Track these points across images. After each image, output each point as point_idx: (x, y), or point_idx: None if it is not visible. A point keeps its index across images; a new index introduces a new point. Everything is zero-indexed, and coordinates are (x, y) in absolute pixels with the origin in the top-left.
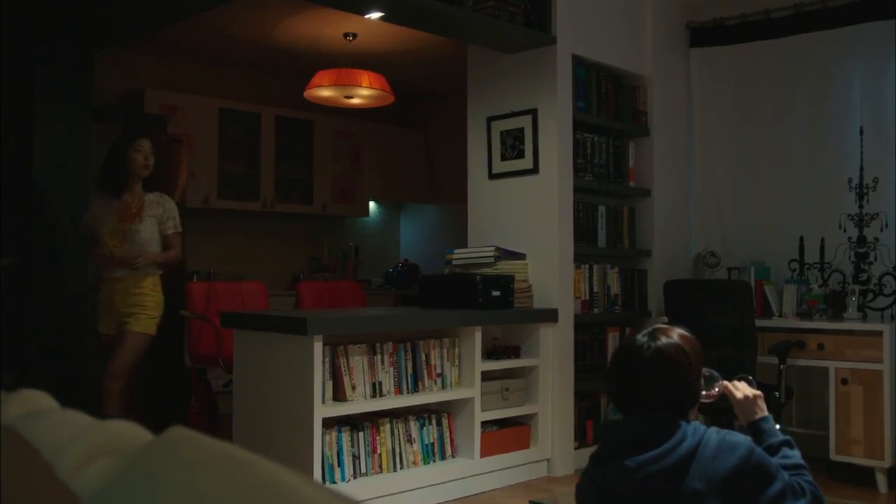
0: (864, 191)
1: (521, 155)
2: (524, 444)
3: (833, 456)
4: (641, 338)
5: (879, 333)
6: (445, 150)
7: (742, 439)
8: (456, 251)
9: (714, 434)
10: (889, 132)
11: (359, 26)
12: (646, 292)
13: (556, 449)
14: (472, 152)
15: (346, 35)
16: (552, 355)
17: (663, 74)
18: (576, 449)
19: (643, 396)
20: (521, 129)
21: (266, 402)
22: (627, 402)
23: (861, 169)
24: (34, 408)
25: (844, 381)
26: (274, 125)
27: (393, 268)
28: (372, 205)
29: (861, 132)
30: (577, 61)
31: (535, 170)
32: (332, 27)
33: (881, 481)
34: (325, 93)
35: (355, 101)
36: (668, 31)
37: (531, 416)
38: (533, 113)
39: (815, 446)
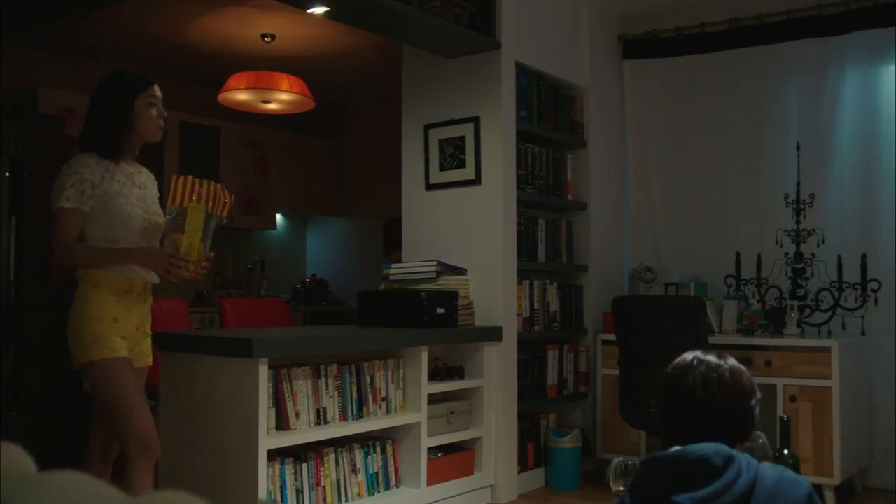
0: (801, 206)
1: (461, 165)
2: (468, 470)
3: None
4: (710, 357)
5: (828, 349)
6: (356, 161)
7: (800, 478)
8: (394, 266)
9: (769, 469)
10: (826, 148)
11: (278, 27)
12: (582, 309)
13: (499, 474)
14: (407, 161)
15: (263, 36)
16: (496, 376)
17: (600, 86)
18: (518, 473)
19: (706, 422)
20: (462, 138)
21: (199, 434)
22: (681, 429)
23: (798, 185)
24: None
25: (793, 399)
26: (179, 131)
27: (301, 283)
28: (279, 217)
29: (798, 148)
30: (520, 69)
31: (476, 180)
32: (249, 27)
33: (830, 499)
34: (242, 96)
35: (273, 105)
36: (603, 42)
37: (475, 441)
38: (475, 121)
39: None
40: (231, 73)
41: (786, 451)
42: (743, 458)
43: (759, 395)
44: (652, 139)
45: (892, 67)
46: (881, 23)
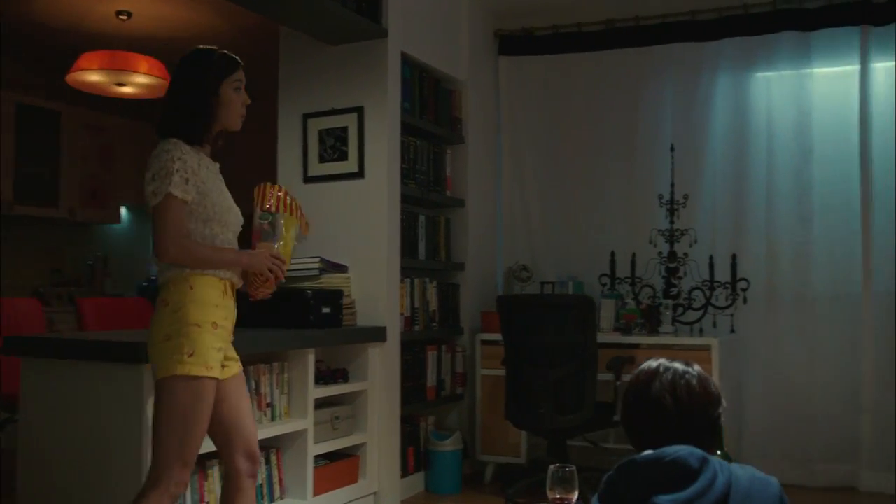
0: (675, 207)
1: (343, 157)
2: (353, 477)
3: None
4: (675, 364)
5: (708, 347)
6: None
7: (770, 476)
8: None
9: (739, 469)
10: (699, 150)
11: (134, 4)
12: (459, 308)
13: (383, 481)
14: (283, 153)
15: (119, 13)
16: (380, 378)
17: (478, 81)
18: (401, 478)
19: (673, 429)
20: (345, 129)
21: (71, 449)
22: (648, 436)
23: (672, 185)
24: None
25: None
26: (14, 114)
27: (147, 281)
28: (123, 210)
29: (672, 149)
30: (403, 60)
31: (360, 173)
32: (103, 3)
33: None
34: (94, 77)
35: (128, 89)
36: (482, 37)
37: (359, 447)
38: (359, 111)
39: None
40: (81, 52)
41: (718, 453)
42: (715, 459)
43: (724, 403)
44: (527, 137)
45: (761, 74)
46: (751, 31)
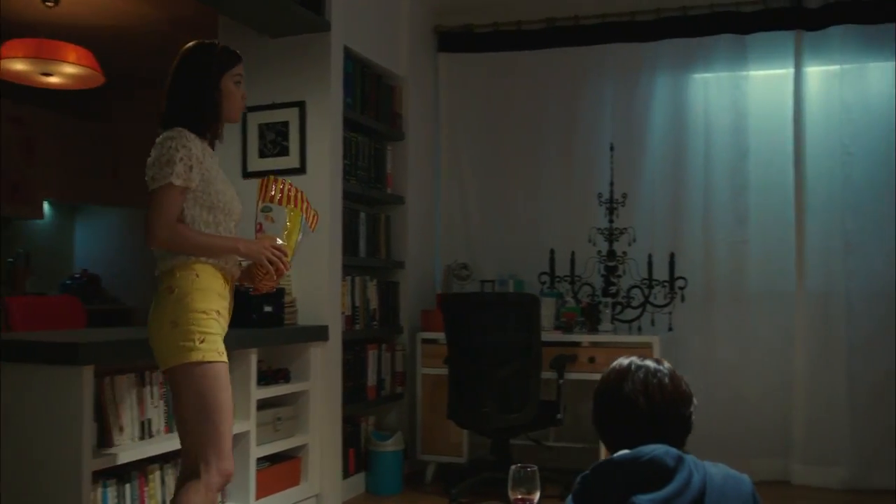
0: (614, 206)
1: (284, 152)
2: (295, 480)
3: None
4: (647, 362)
5: (649, 345)
6: (137, 147)
7: (742, 475)
8: None
9: (712, 467)
10: (638, 149)
11: None
12: (398, 306)
13: (324, 483)
14: (221, 147)
15: None
16: (321, 378)
17: (418, 77)
18: (343, 480)
19: (646, 428)
20: (286, 124)
21: (2, 456)
22: (620, 435)
23: (611, 184)
24: None
25: None
26: None
27: (71, 279)
28: (46, 206)
29: (611, 148)
30: (346, 54)
31: (301, 169)
32: None
33: None
34: (18, 66)
35: (55, 79)
36: (422, 33)
37: (300, 448)
38: (300, 106)
39: (585, 459)
40: (4, 39)
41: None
42: (689, 457)
43: (696, 401)
44: (466, 134)
45: (699, 75)
46: (689, 33)
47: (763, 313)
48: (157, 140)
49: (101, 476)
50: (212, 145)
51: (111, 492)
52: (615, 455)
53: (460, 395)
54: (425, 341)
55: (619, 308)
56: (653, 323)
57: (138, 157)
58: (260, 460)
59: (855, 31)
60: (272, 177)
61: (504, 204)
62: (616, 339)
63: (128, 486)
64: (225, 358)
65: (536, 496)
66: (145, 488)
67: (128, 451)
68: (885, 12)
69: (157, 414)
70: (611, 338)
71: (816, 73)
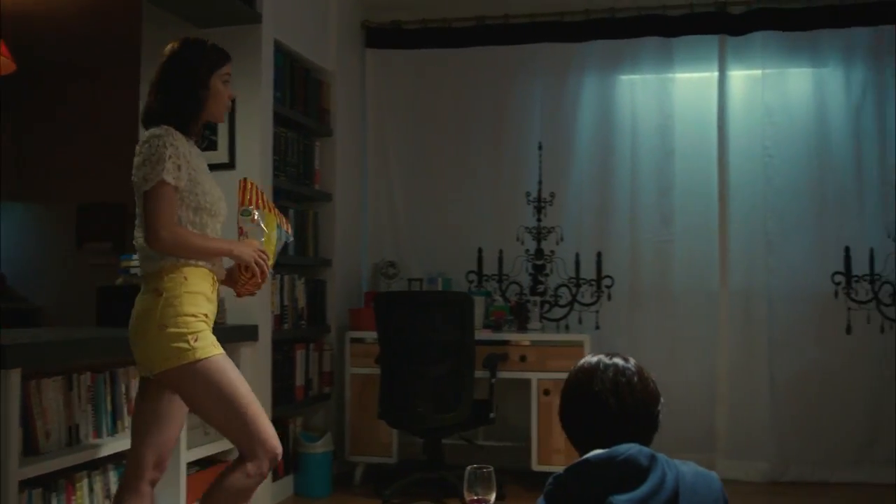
0: (542, 205)
1: (212, 147)
2: None
3: (535, 466)
4: (615, 360)
5: (581, 343)
6: (44, 140)
7: (711, 472)
8: (134, 255)
9: (682, 465)
10: (566, 149)
11: None
12: (325, 305)
13: None
14: None
15: None
16: (251, 379)
17: (346, 72)
18: (272, 482)
19: (616, 427)
20: None
21: None
22: (589, 434)
23: (539, 183)
24: None
25: (546, 392)
26: None
27: None
28: None
29: (540, 147)
30: (276, 47)
31: (230, 165)
32: None
33: None
34: None
35: None
36: (350, 28)
37: (230, 452)
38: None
39: (515, 458)
40: None
41: None
42: (661, 456)
43: (662, 399)
44: (394, 132)
45: (626, 77)
46: (617, 34)
47: (687, 312)
48: (143, 138)
49: (27, 485)
50: (197, 144)
51: (37, 501)
52: (590, 455)
53: (393, 395)
54: (354, 340)
55: (547, 307)
56: (580, 321)
57: (43, 151)
58: (190, 465)
59: (776, 37)
60: (248, 179)
61: (432, 202)
62: (548, 338)
63: (54, 495)
64: (221, 349)
65: (492, 497)
66: (73, 497)
67: (55, 458)
68: (805, 20)
69: (84, 420)
70: (542, 336)
71: (740, 76)
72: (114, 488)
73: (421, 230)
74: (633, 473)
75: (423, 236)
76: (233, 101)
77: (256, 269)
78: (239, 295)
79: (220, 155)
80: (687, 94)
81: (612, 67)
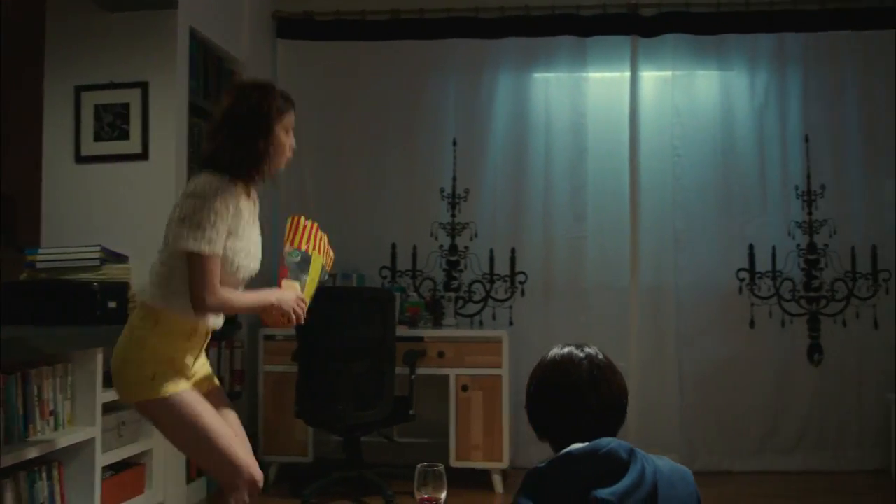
0: (456, 201)
1: (124, 136)
2: (139, 488)
3: (453, 462)
4: (589, 351)
5: (499, 339)
6: None
7: (683, 467)
8: (41, 250)
9: (658, 459)
10: (481, 145)
11: None
12: None
13: (168, 490)
14: (50, 128)
15: None
16: None
17: (258, 63)
18: (186, 485)
19: (593, 418)
20: (126, 105)
21: None
22: (565, 427)
23: (454, 179)
24: None
25: (465, 388)
26: None
27: None
28: None
29: (454, 144)
30: (190, 34)
31: (143, 155)
32: None
33: (497, 482)
34: None
35: None
36: (261, 18)
37: (144, 454)
38: (143, 87)
39: (433, 455)
40: None
41: None
42: (638, 450)
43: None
44: (306, 125)
45: (540, 75)
46: (532, 33)
47: (599, 307)
48: (192, 188)
49: None
50: (248, 193)
51: None
52: (571, 449)
53: (311, 393)
54: (266, 338)
55: (461, 302)
56: (494, 317)
57: None
58: (105, 469)
59: (686, 40)
60: (302, 217)
61: (345, 197)
62: (466, 334)
63: None
64: (183, 386)
65: (443, 495)
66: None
67: None
68: (713, 24)
69: None
70: (461, 332)
71: (651, 77)
72: (24, 494)
73: (333, 225)
74: (614, 467)
75: (335, 231)
76: (147, 88)
77: (293, 316)
78: (265, 324)
79: (133, 145)
80: (600, 93)
81: (527, 65)
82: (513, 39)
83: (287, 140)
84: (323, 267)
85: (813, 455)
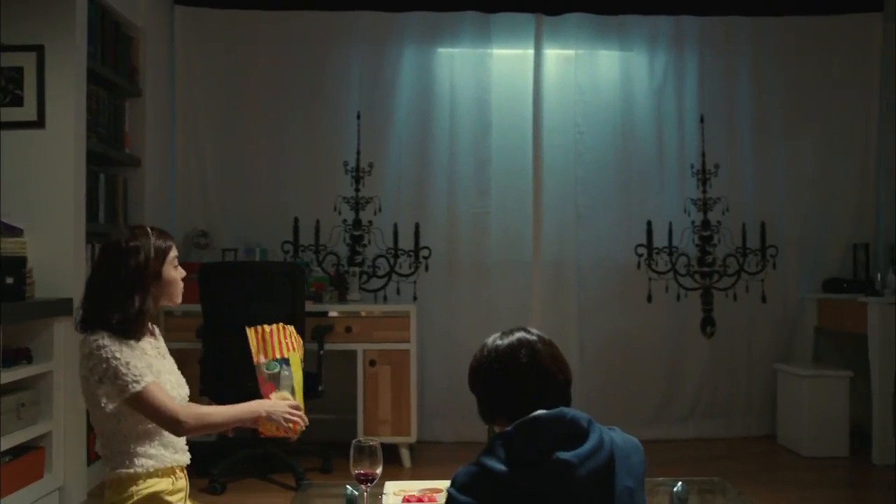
0: (360, 175)
1: (17, 102)
2: (38, 473)
3: (361, 438)
4: (531, 335)
5: (407, 314)
6: None
7: (632, 437)
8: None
9: (609, 430)
10: (385, 119)
11: None
12: None
13: (69, 474)
14: None
15: None
16: (65, 357)
17: (155, 29)
18: (87, 467)
19: (545, 394)
20: (20, 70)
21: None
22: (517, 404)
23: (357, 153)
24: None
25: (372, 363)
26: None
27: None
28: None
29: (358, 117)
30: None
31: (39, 123)
32: None
33: (405, 456)
34: None
35: None
36: None
37: (43, 437)
38: (38, 51)
39: (341, 431)
40: None
41: None
42: (594, 421)
43: None
44: (205, 95)
45: (445, 50)
46: (436, 7)
47: (502, 281)
48: (86, 351)
49: None
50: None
51: None
52: (538, 413)
53: (218, 370)
54: (166, 314)
55: (365, 277)
56: (398, 292)
57: None
58: (3, 454)
59: (588, 19)
60: (265, 327)
61: (245, 170)
62: (374, 309)
63: None
64: None
65: (379, 470)
66: None
67: None
68: (614, 5)
69: None
70: (369, 307)
71: (554, 55)
72: None
73: (233, 199)
74: (576, 432)
75: (236, 205)
76: (43, 52)
77: (288, 426)
78: (262, 435)
79: (27, 112)
80: (504, 69)
81: (431, 40)
82: (417, 13)
83: (178, 274)
84: (301, 360)
85: (704, 423)
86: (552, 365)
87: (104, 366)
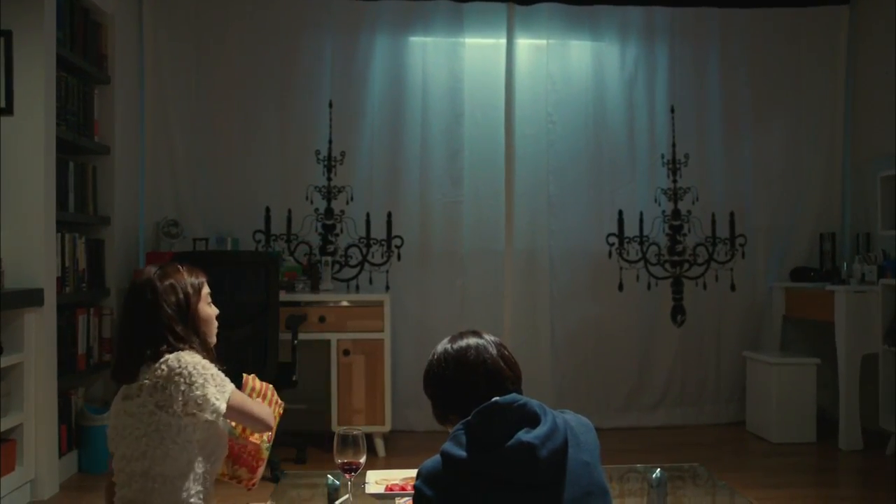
0: (332, 164)
1: None
2: (10, 465)
3: (334, 428)
4: (476, 338)
5: (381, 303)
6: None
7: (585, 418)
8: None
9: (561, 413)
10: (358, 107)
11: None
12: (104, 266)
13: (41, 466)
14: None
15: None
16: (35, 348)
17: (123, 14)
18: (59, 459)
19: (496, 388)
20: None
21: None
22: (473, 398)
23: (329, 142)
24: None
25: (346, 353)
26: None
27: None
28: None
29: (330, 105)
30: None
31: (7, 110)
32: None
33: (380, 445)
34: None
35: None
36: None
37: (14, 430)
38: (6, 36)
39: (314, 421)
40: None
41: None
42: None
43: None
44: (175, 82)
45: (417, 39)
46: None
47: (475, 271)
48: (165, 372)
49: None
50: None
51: None
52: (496, 399)
53: None
54: None
55: (337, 267)
56: (371, 282)
57: None
58: None
59: (560, 9)
60: (251, 380)
61: (216, 158)
62: (348, 298)
63: None
64: None
65: (362, 459)
66: None
67: None
68: None
69: None
70: (343, 296)
71: (526, 45)
72: None
73: (204, 188)
74: (531, 416)
75: (207, 194)
76: (10, 37)
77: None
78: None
79: None
80: (476, 59)
81: (404, 28)
82: (390, 2)
83: (212, 311)
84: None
85: (674, 411)
86: (501, 363)
87: (201, 370)
